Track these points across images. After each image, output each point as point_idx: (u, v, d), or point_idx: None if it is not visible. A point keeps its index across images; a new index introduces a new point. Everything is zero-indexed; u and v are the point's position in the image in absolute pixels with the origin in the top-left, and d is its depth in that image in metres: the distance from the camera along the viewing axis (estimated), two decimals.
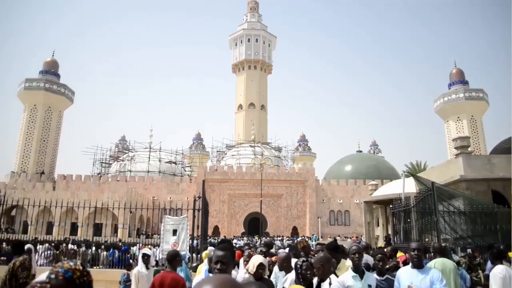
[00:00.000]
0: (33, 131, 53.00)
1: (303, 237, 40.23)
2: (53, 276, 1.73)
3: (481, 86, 59.15)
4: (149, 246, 17.22)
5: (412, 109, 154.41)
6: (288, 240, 36.09)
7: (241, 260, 5.89)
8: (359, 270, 4.55)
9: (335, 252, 5.81)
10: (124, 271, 9.12)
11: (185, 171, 58.32)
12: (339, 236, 43.20)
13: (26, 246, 8.83)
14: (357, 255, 4.58)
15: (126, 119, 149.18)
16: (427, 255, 7.86)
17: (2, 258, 14.12)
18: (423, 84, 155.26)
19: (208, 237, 25.75)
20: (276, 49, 76.62)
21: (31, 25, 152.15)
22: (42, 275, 1.79)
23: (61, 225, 35.81)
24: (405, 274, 4.67)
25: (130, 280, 8.64)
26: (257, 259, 4.30)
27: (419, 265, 4.62)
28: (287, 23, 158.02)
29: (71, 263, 1.79)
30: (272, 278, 5.28)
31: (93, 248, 16.40)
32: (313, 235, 41.96)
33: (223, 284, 1.24)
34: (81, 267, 1.79)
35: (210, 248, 10.93)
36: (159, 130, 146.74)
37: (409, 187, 15.43)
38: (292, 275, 4.61)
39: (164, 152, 55.94)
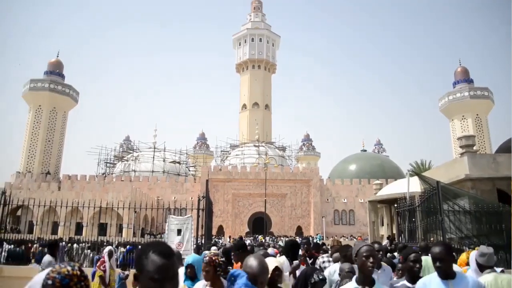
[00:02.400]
0: (38, 132, 53.26)
1: (310, 237, 40.21)
2: (50, 282, 1.67)
3: (486, 85, 58.86)
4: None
5: (416, 108, 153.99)
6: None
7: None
8: (368, 281, 3.26)
9: (243, 252, 5.48)
10: (119, 270, 9.15)
11: (189, 171, 58.43)
12: (351, 236, 43.15)
13: (107, 248, 8.76)
14: (371, 260, 3.24)
15: (130, 119, 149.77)
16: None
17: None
18: (427, 83, 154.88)
19: (212, 237, 25.78)
20: (279, 48, 76.65)
21: (35, 26, 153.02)
22: (37, 276, 1.75)
23: (66, 225, 35.99)
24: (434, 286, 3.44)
25: (125, 279, 8.62)
26: (271, 262, 3.31)
27: (446, 275, 3.35)
28: (291, 23, 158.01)
29: (69, 268, 1.73)
30: None
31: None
32: (317, 234, 41.89)
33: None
34: (79, 272, 1.72)
35: (213, 248, 10.90)
36: (163, 130, 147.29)
37: (414, 186, 15.35)
38: None
39: (168, 152, 56.07)
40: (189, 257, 4.03)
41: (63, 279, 1.67)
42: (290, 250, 5.57)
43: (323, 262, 5.80)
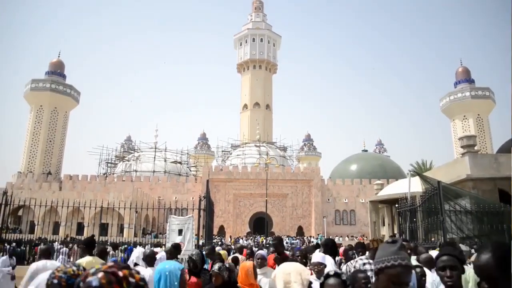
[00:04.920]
0: (39, 132, 53.33)
1: (284, 236, 40.16)
2: (55, 281, 1.69)
3: (487, 85, 58.84)
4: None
5: (418, 108, 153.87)
6: (294, 239, 36.02)
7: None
8: None
9: (89, 248, 5.60)
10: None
11: (190, 171, 58.43)
12: (356, 236, 43.13)
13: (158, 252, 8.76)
14: (447, 273, 2.60)
15: (131, 119, 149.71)
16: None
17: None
18: (429, 83, 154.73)
19: (214, 237, 25.78)
20: (280, 48, 76.64)
21: (37, 26, 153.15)
22: (42, 275, 1.76)
23: (67, 225, 36.02)
24: None
25: None
26: (302, 270, 3.09)
27: None
28: (291, 23, 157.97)
29: (74, 268, 1.76)
30: None
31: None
32: (318, 234, 41.88)
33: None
34: (83, 273, 1.73)
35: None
36: (164, 130, 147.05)
37: (415, 186, 15.35)
38: None
39: (170, 152, 56.09)
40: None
41: (69, 278, 1.68)
42: (331, 249, 5.79)
43: (364, 264, 5.01)
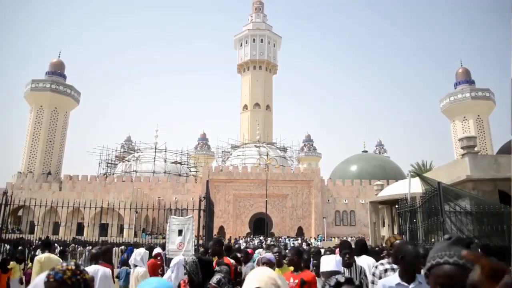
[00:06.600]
0: (39, 132, 53.31)
1: (305, 238, 40.19)
2: (45, 279, 1.82)
3: (487, 86, 58.77)
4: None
5: (418, 109, 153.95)
6: (294, 240, 35.98)
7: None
8: None
9: (46, 247, 6.90)
10: (125, 267, 9.24)
11: (190, 171, 58.43)
12: (360, 237, 43.09)
13: (155, 251, 8.78)
14: None
15: (131, 120, 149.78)
16: None
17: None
18: (429, 84, 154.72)
19: (214, 236, 25.75)
20: (281, 49, 76.63)
21: (37, 26, 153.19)
22: (39, 277, 1.85)
23: (67, 225, 36.02)
24: None
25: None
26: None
27: None
28: (292, 23, 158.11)
29: (64, 264, 1.88)
30: None
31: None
32: (318, 235, 41.90)
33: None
34: (73, 267, 1.86)
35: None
36: (164, 130, 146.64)
37: (415, 187, 15.33)
38: None
39: (170, 152, 56.11)
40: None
41: (56, 274, 1.82)
42: (361, 249, 5.62)
43: (385, 270, 4.03)
